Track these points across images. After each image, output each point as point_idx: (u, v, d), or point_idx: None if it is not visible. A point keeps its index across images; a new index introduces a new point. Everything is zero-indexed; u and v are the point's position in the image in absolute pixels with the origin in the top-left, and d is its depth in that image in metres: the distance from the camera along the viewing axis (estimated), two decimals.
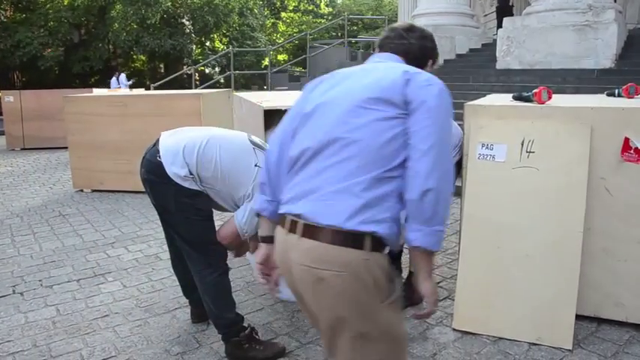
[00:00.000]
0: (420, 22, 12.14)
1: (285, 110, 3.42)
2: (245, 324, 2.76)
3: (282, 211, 1.55)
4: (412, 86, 1.50)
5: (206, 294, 2.69)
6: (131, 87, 16.98)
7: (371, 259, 1.42)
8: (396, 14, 19.21)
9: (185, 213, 2.56)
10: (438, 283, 3.65)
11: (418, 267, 1.50)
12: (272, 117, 3.57)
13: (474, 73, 10.06)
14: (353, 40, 16.40)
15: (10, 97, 10.70)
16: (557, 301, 2.75)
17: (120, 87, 17.22)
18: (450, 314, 3.14)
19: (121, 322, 3.16)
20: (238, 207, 2.60)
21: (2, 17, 21.28)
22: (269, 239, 1.70)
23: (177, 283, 3.13)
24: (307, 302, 1.54)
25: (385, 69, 1.61)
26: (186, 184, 2.50)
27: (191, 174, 2.50)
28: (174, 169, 2.49)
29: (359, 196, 1.41)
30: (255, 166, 2.54)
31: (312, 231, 1.43)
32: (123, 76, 18.61)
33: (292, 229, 1.48)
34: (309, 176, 1.50)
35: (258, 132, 3.45)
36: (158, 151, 2.55)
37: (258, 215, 1.76)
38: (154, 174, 2.55)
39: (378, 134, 1.45)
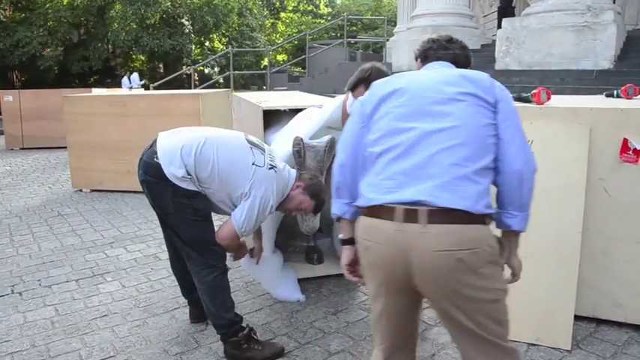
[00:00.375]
0: (419, 23, 12.17)
1: (285, 111, 3.47)
2: (244, 324, 2.76)
3: (381, 202, 1.55)
4: (498, 88, 1.68)
5: (205, 294, 2.69)
6: (144, 87, 16.79)
7: (492, 234, 1.57)
8: (395, 15, 19.21)
9: (183, 214, 2.56)
10: None
11: (511, 246, 1.72)
12: (271, 117, 3.58)
13: None
14: (352, 40, 16.38)
15: (9, 97, 10.68)
16: (556, 302, 2.75)
17: (132, 86, 17.07)
18: None
19: (120, 322, 3.16)
20: (236, 207, 2.60)
21: (2, 17, 21.19)
22: (351, 241, 1.78)
23: (176, 284, 3.13)
24: (424, 289, 1.56)
25: (463, 71, 1.77)
26: (183, 185, 2.50)
27: (189, 174, 2.50)
28: (172, 170, 2.49)
29: (477, 182, 1.53)
30: (253, 164, 2.55)
31: (443, 216, 1.48)
32: (135, 75, 18.47)
33: (410, 219, 1.49)
34: (416, 165, 1.55)
35: (257, 132, 3.45)
36: (155, 153, 2.55)
37: (338, 220, 1.81)
38: (151, 175, 2.56)
39: (477, 125, 1.59)
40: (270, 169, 2.59)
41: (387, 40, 14.84)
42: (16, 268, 4.07)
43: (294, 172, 2.86)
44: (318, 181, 2.87)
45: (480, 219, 1.52)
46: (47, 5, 20.95)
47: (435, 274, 1.50)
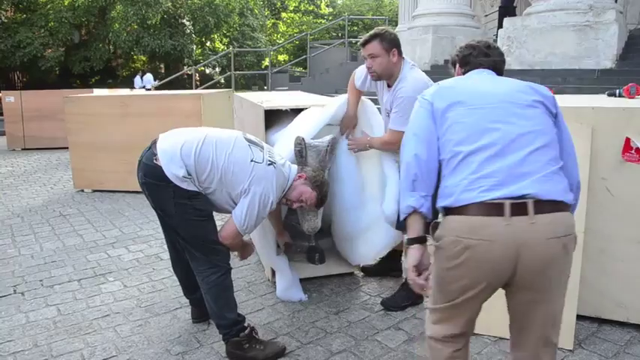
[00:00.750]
0: (420, 23, 12.15)
1: (286, 110, 3.47)
2: (245, 324, 2.76)
3: (484, 199, 1.61)
4: (557, 101, 1.85)
5: (208, 294, 2.70)
6: (157, 88, 16.67)
7: None
8: (397, 14, 19.19)
9: (185, 215, 2.57)
10: None
11: None
12: (273, 117, 3.58)
13: None
14: (353, 40, 16.36)
15: (10, 98, 10.69)
16: None
17: (145, 86, 16.99)
18: None
19: (122, 321, 3.17)
20: (236, 205, 2.60)
21: (3, 17, 21.24)
22: (422, 240, 1.77)
23: (178, 283, 3.14)
24: (524, 280, 1.65)
25: (527, 82, 1.90)
26: (184, 185, 2.51)
27: (189, 175, 2.51)
28: (173, 170, 2.50)
29: (564, 178, 1.71)
30: (252, 161, 2.56)
31: (548, 206, 1.61)
32: (149, 75, 18.41)
33: (518, 212, 1.58)
34: (515, 163, 1.64)
35: (259, 132, 3.45)
36: (155, 154, 2.56)
37: (409, 215, 1.77)
38: (151, 177, 2.57)
39: (552, 131, 1.75)
40: (269, 165, 2.60)
41: None
42: (19, 268, 4.07)
43: (295, 167, 2.87)
44: (321, 174, 2.88)
45: (570, 208, 1.70)
46: (48, 6, 20.94)
47: (544, 262, 1.62)
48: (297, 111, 3.49)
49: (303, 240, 4.02)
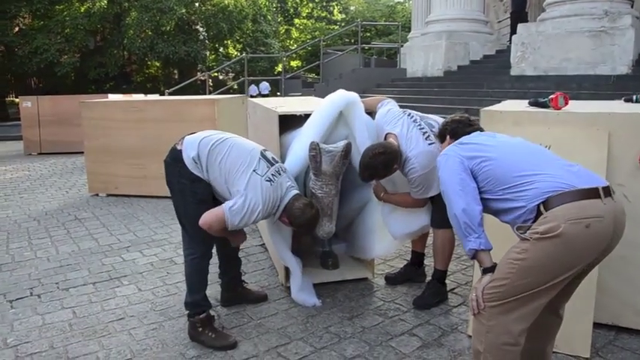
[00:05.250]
0: (433, 29, 12.14)
1: (300, 116, 3.47)
2: (208, 310, 3.02)
3: (584, 186, 1.95)
4: None
5: (185, 270, 3.05)
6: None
7: None
8: (409, 20, 19.20)
9: (182, 193, 2.90)
10: (453, 289, 3.63)
11: None
12: (287, 122, 3.59)
13: (488, 79, 10.00)
14: (366, 46, 16.38)
15: (28, 103, 10.84)
16: (575, 309, 2.71)
17: (261, 93, 17.32)
18: (465, 320, 3.12)
19: (137, 325, 3.18)
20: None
21: (21, 24, 21.60)
22: (495, 267, 2.05)
23: None
24: (607, 252, 2.00)
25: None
26: (191, 167, 2.83)
27: (199, 159, 2.82)
28: (187, 152, 2.85)
29: None
30: (253, 171, 2.79)
31: (608, 190, 1.98)
32: (265, 83, 18.72)
33: (606, 194, 1.95)
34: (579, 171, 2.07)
35: (273, 137, 3.47)
36: (181, 141, 2.93)
37: (475, 253, 2.07)
38: (170, 157, 2.94)
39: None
40: (267, 180, 2.81)
41: (402, 45, 14.82)
42: (35, 270, 4.11)
43: (292, 193, 2.96)
44: (307, 214, 2.93)
45: None
46: (65, 13, 21.26)
47: (622, 232, 2.00)
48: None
49: (316, 245, 4.03)
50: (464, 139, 2.33)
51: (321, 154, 3.15)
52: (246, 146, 2.93)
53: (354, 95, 3.42)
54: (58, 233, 5.14)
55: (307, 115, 3.46)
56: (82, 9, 21.58)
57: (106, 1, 21.82)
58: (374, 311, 3.34)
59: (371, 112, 3.50)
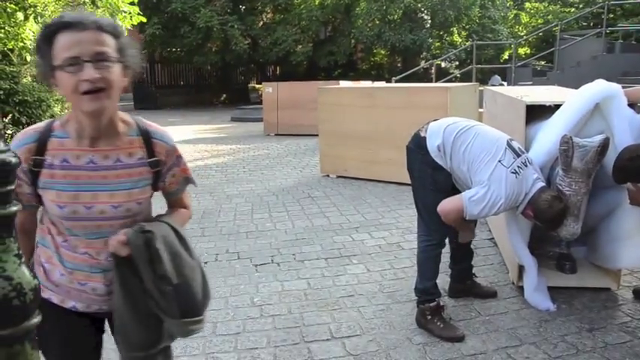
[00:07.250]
0: None
1: (550, 106, 3.19)
2: (438, 299, 2.98)
3: None
4: None
5: (417, 256, 3.08)
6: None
7: None
8: None
9: (423, 180, 2.92)
10: None
11: None
12: (530, 113, 3.34)
13: None
14: (614, 29, 14.57)
15: (269, 88, 12.05)
16: None
17: (502, 83, 17.95)
18: None
19: (365, 303, 3.30)
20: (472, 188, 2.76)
21: (264, 18, 24.08)
22: None
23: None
24: None
25: None
26: (434, 155, 2.82)
27: (444, 146, 2.79)
28: (432, 141, 2.84)
29: None
30: (499, 161, 2.68)
31: None
32: (497, 77, 19.34)
33: None
34: None
35: (518, 128, 3.26)
36: (425, 128, 2.93)
37: None
38: (413, 143, 2.97)
39: None
40: (512, 172, 2.69)
41: None
42: (274, 241, 4.53)
43: (539, 185, 2.77)
44: (554, 208, 2.75)
45: None
46: (302, 6, 23.03)
47: None
48: (559, 107, 3.20)
49: (552, 245, 3.72)
50: None
51: (573, 149, 2.87)
52: (491, 135, 2.83)
53: (614, 87, 3.03)
54: (293, 208, 5.58)
55: (557, 106, 3.18)
56: (317, 1, 23.10)
57: None
58: (619, 327, 2.97)
59: (633, 105, 3.07)
